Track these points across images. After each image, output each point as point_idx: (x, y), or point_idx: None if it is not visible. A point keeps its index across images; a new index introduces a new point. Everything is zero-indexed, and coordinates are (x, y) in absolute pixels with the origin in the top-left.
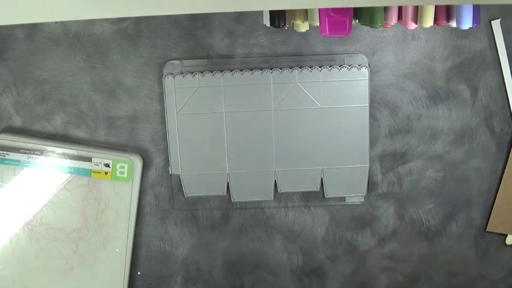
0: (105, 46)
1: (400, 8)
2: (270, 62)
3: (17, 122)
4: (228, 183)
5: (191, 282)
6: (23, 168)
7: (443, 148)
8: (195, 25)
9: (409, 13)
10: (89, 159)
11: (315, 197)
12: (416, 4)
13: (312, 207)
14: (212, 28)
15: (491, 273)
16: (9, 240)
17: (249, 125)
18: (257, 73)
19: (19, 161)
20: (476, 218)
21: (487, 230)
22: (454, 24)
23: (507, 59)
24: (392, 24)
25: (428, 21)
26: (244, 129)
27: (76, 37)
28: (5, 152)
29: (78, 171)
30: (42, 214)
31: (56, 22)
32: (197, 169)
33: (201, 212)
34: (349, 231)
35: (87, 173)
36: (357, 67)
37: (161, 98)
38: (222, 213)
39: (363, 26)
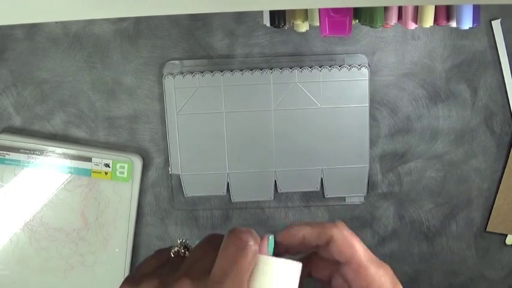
0: (105, 46)
1: (400, 8)
2: (270, 62)
3: (17, 122)
4: (228, 183)
5: None
6: (23, 168)
7: (443, 148)
8: (195, 25)
9: (409, 13)
10: (89, 159)
11: (315, 197)
12: (416, 4)
13: (312, 207)
14: (212, 28)
15: (491, 273)
16: (9, 240)
17: (249, 125)
18: (257, 73)
19: (19, 161)
20: (476, 218)
21: (487, 230)
22: (454, 24)
23: (507, 59)
24: (392, 24)
25: (428, 21)
26: (244, 129)
27: (76, 37)
28: (5, 152)
29: (78, 171)
30: (42, 214)
31: (56, 22)
32: (197, 169)
33: (201, 212)
34: None
35: (87, 173)
36: (357, 67)
37: (161, 98)
38: (222, 213)
39: (363, 26)
